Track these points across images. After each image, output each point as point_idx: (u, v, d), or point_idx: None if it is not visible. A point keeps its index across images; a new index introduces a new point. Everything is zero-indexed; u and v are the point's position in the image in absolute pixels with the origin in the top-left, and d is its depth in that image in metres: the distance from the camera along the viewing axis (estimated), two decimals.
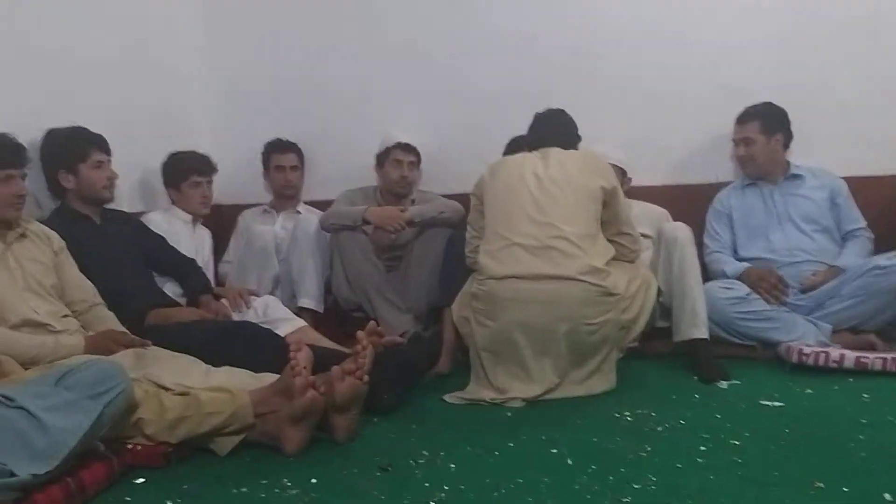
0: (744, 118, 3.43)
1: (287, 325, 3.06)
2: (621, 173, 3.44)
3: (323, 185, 3.91)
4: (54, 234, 2.70)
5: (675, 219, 3.38)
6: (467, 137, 3.83)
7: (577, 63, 3.73)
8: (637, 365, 3.03)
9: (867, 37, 3.48)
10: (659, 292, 2.92)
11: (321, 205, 3.72)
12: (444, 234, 3.32)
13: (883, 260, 3.06)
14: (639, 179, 3.61)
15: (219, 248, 3.79)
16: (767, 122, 3.38)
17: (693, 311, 2.90)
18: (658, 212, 3.51)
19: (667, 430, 2.35)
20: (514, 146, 3.33)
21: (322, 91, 3.99)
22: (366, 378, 2.31)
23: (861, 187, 3.43)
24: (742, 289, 3.14)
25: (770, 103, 3.41)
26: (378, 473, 2.08)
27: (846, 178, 3.42)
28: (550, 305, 2.64)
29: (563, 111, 3.06)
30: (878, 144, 3.50)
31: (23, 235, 2.58)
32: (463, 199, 3.23)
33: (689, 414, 2.47)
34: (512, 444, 2.28)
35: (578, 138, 3.06)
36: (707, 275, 3.27)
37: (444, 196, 3.61)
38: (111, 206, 3.10)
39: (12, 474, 1.75)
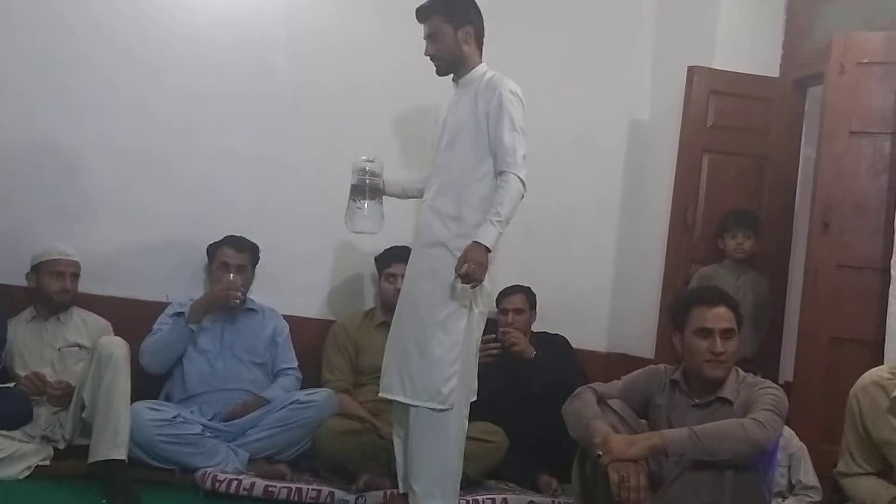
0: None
1: None
2: None
3: None
4: None
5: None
6: None
7: None
8: (45, 486, 2.83)
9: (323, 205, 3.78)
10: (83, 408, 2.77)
11: None
12: None
13: (303, 395, 3.34)
14: None
15: None
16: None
17: (115, 431, 2.83)
18: (101, 323, 3.40)
19: None
20: None
21: None
22: None
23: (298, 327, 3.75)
24: (170, 411, 3.16)
25: None
26: None
27: (290, 318, 3.71)
28: None
29: None
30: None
31: None
32: None
33: None
34: None
35: None
36: None
37: None
38: None
39: None
